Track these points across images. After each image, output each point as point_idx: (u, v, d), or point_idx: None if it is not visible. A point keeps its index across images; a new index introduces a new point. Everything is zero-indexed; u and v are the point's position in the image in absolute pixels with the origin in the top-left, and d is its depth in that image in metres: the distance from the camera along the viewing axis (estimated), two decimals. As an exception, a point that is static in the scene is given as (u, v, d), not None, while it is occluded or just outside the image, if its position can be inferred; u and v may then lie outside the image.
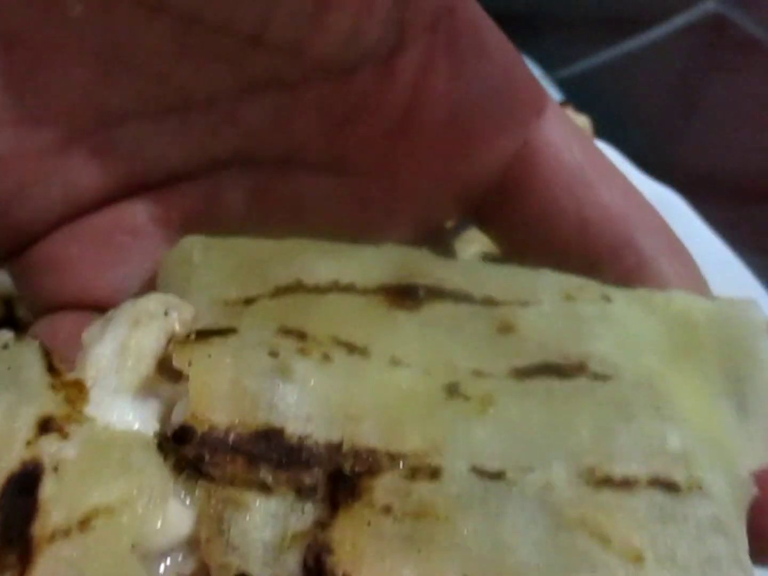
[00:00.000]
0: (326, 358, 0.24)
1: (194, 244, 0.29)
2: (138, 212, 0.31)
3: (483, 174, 0.30)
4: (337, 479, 0.22)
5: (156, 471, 0.22)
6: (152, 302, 0.26)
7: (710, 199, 0.64)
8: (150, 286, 0.29)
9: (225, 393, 0.23)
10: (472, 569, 0.21)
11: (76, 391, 0.24)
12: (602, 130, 0.66)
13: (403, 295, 0.26)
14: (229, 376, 0.24)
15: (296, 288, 0.27)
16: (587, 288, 0.27)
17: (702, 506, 0.23)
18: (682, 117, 0.76)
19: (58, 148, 0.29)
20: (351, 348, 0.25)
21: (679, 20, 0.79)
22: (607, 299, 0.27)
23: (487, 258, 0.48)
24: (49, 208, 0.30)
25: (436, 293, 0.26)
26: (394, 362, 0.25)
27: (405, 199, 0.31)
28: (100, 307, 0.29)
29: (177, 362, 0.24)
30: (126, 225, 0.30)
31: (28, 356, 0.24)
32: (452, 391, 0.24)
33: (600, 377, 0.25)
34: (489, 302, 0.27)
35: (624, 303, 0.27)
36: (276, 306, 0.26)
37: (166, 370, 0.24)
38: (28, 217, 0.30)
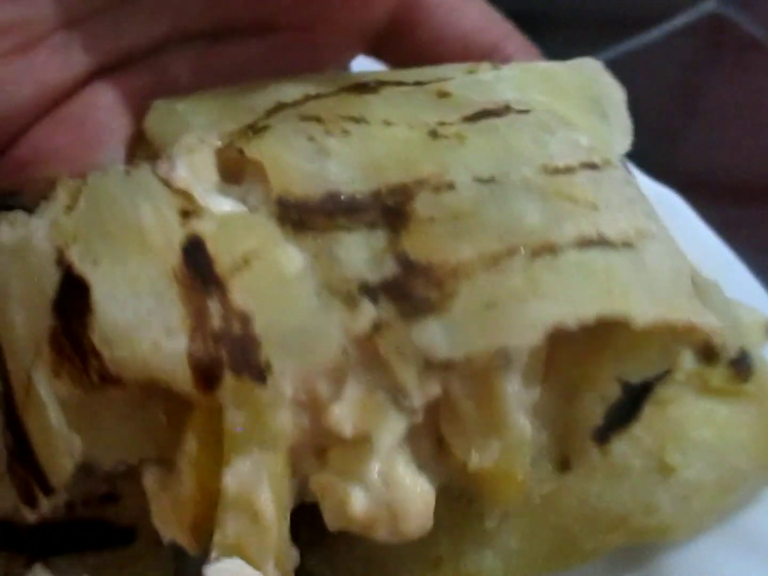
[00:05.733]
0: (345, 132, 0.32)
1: (169, 102, 0.35)
2: (103, 94, 0.35)
3: (379, 15, 0.37)
4: (388, 212, 0.31)
5: (271, 227, 0.30)
6: (187, 137, 0.33)
7: (710, 199, 0.64)
8: (130, 159, 0.35)
9: (295, 171, 0.31)
10: (501, 233, 0.30)
11: (186, 195, 0.31)
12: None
13: (361, 88, 0.35)
14: (292, 159, 0.32)
15: (279, 107, 0.34)
16: (481, 65, 0.38)
17: (616, 172, 0.34)
18: (682, 117, 0.76)
19: (23, 50, 0.33)
20: (355, 120, 0.33)
21: (679, 20, 0.79)
22: (497, 68, 0.37)
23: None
24: (24, 106, 0.34)
25: (382, 83, 0.35)
26: (387, 123, 0.33)
27: (323, 47, 0.38)
28: None
29: (249, 153, 0.31)
30: (98, 106, 0.35)
31: (149, 175, 0.32)
32: (434, 135, 0.33)
33: (522, 111, 0.35)
34: (419, 83, 0.36)
35: (507, 68, 0.38)
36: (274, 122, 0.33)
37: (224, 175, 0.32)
38: (4, 116, 0.33)
